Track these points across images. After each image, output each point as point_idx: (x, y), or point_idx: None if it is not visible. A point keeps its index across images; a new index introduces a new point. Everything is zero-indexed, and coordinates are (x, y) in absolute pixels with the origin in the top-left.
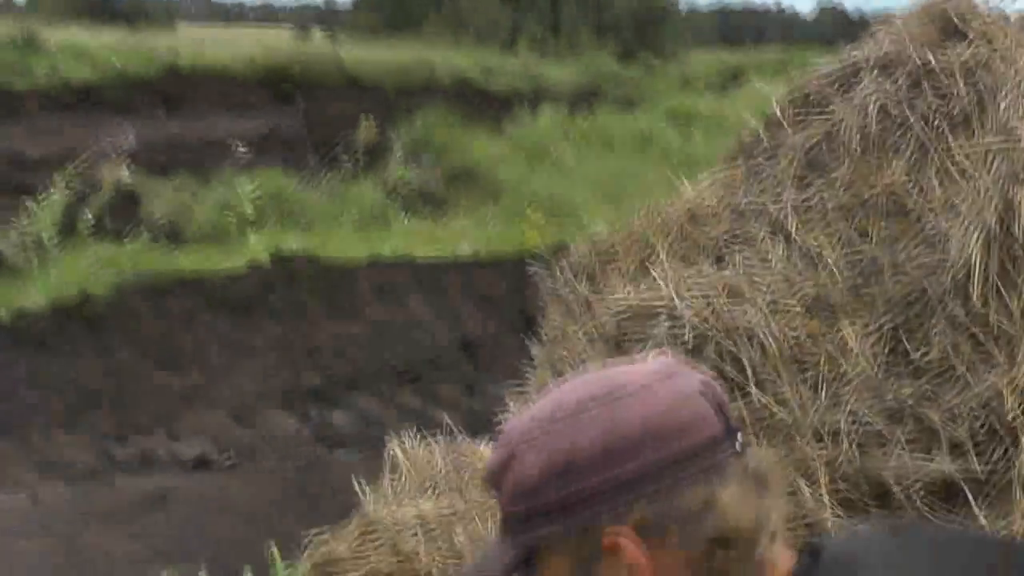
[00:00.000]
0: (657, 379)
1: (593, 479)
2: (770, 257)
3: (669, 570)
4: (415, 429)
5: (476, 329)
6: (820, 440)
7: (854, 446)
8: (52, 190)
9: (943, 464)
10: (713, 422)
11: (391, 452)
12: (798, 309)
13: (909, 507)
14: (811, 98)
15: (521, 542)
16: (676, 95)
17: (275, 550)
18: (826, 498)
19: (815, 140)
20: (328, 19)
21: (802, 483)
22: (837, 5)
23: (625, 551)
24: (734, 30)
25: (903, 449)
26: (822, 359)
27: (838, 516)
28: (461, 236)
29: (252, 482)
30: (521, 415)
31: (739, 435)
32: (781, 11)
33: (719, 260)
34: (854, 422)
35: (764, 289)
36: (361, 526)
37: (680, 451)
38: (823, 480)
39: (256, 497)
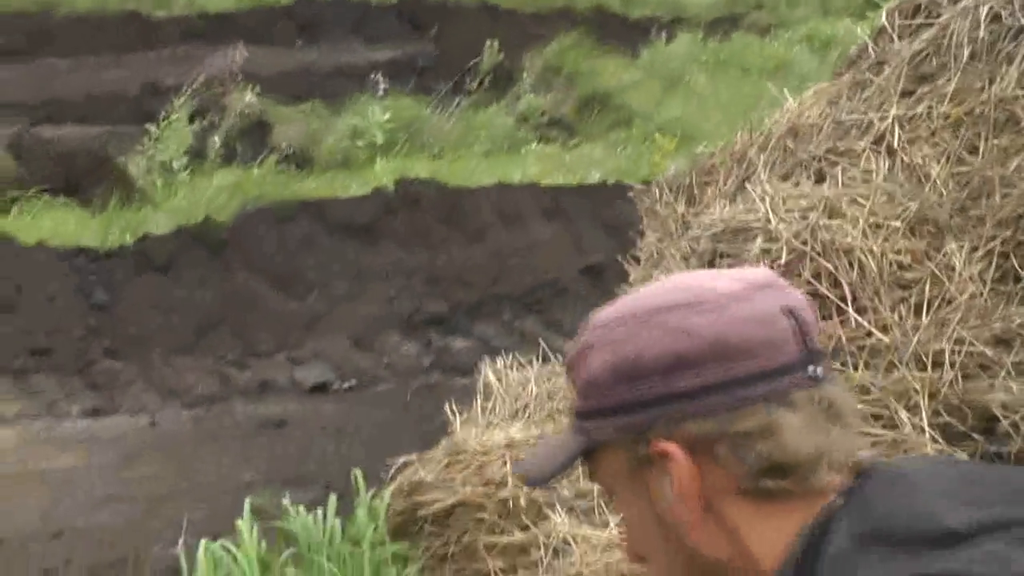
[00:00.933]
0: (741, 295)
1: (654, 386)
2: (872, 173)
3: (716, 487)
4: (516, 354)
5: (601, 256)
6: (922, 366)
7: (958, 373)
8: (177, 116)
9: None
10: (790, 347)
11: (484, 375)
12: (901, 228)
13: (1017, 438)
14: (921, 7)
15: (584, 435)
16: (816, 21)
17: (359, 476)
18: (927, 427)
19: (923, 50)
20: None
21: (902, 411)
22: None
23: (671, 461)
24: None
25: (1011, 377)
26: (925, 281)
27: (939, 446)
28: (590, 162)
29: (371, 407)
30: (607, 307)
31: (819, 364)
32: None
33: (819, 176)
34: (959, 348)
35: (865, 206)
36: (449, 452)
37: (745, 372)
38: (925, 408)
39: (374, 422)
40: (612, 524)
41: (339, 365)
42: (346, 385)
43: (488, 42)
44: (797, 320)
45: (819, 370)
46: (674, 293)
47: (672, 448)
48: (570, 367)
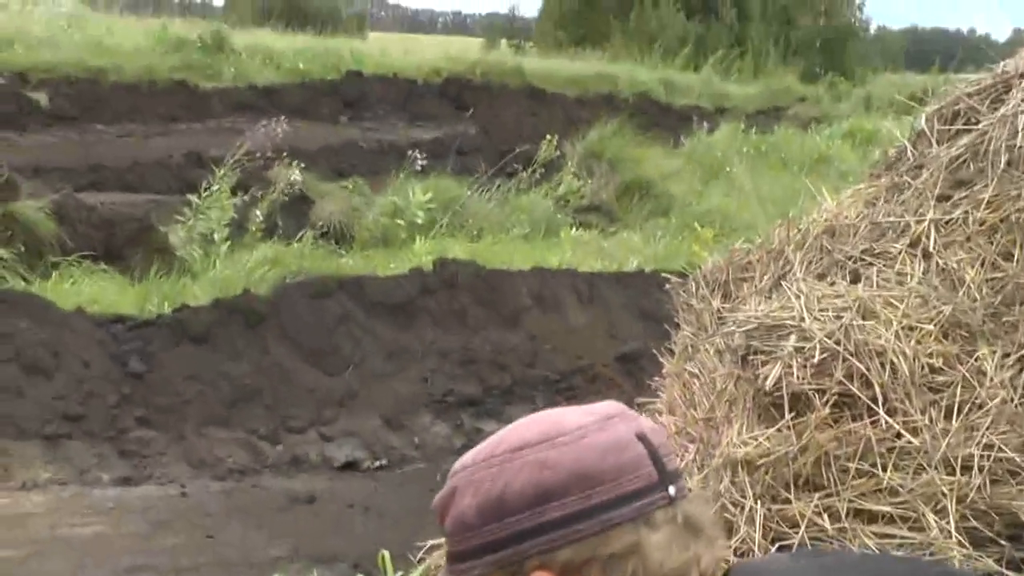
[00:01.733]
0: (595, 425)
1: (523, 520)
2: (907, 275)
3: None
4: None
5: (637, 343)
6: (951, 470)
7: (987, 479)
8: (219, 187)
9: None
10: (645, 470)
11: None
12: (933, 331)
13: None
14: (960, 112)
15: (461, 573)
16: (858, 116)
17: (387, 555)
18: (954, 531)
19: (961, 155)
20: (516, 32)
21: (930, 514)
22: None
23: None
24: (925, 54)
25: None
26: (957, 385)
27: (965, 551)
28: (629, 250)
29: (400, 487)
30: (468, 453)
31: (675, 483)
32: (974, 34)
33: (854, 277)
34: (988, 453)
35: (899, 308)
36: None
37: (607, 498)
38: (952, 512)
39: (403, 502)
40: None
41: (370, 443)
42: (377, 464)
43: (544, 131)
44: (650, 445)
45: (675, 489)
46: (530, 431)
47: (547, 574)
48: (440, 514)
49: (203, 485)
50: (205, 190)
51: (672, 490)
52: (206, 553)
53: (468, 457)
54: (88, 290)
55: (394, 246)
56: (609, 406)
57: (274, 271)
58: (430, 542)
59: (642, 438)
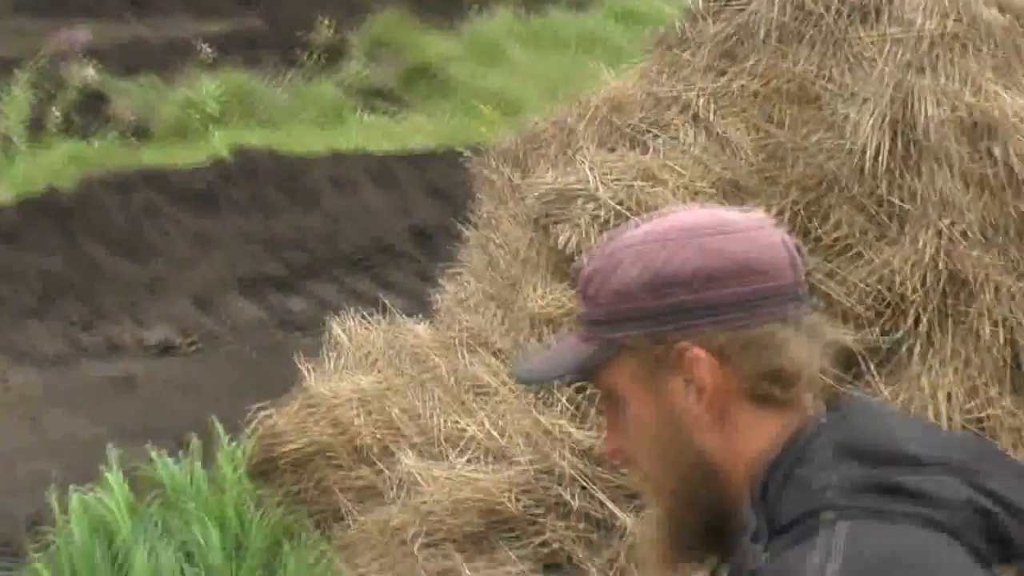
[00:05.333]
0: (756, 226)
1: (685, 296)
2: (685, 142)
3: (726, 388)
4: (359, 312)
5: (429, 219)
6: None
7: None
8: (16, 88)
9: (844, 334)
10: (788, 272)
11: (331, 331)
12: (710, 191)
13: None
14: None
15: (605, 338)
16: None
17: (218, 424)
18: None
19: (730, 31)
20: None
21: None
22: None
23: (695, 363)
24: None
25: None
26: None
27: None
28: (416, 131)
29: (215, 366)
30: (631, 230)
31: (805, 292)
32: None
33: (637, 145)
34: None
35: (679, 173)
36: (302, 401)
37: (761, 289)
38: None
39: (219, 379)
40: (459, 465)
41: (183, 326)
42: (191, 345)
43: (320, 18)
44: (793, 252)
45: (804, 295)
46: (701, 218)
47: (697, 351)
48: (589, 280)
49: (23, 374)
50: (5, 92)
51: (803, 294)
52: (31, 437)
53: (632, 235)
54: None
55: (191, 138)
56: (757, 213)
57: (76, 168)
58: (258, 408)
59: (787, 244)
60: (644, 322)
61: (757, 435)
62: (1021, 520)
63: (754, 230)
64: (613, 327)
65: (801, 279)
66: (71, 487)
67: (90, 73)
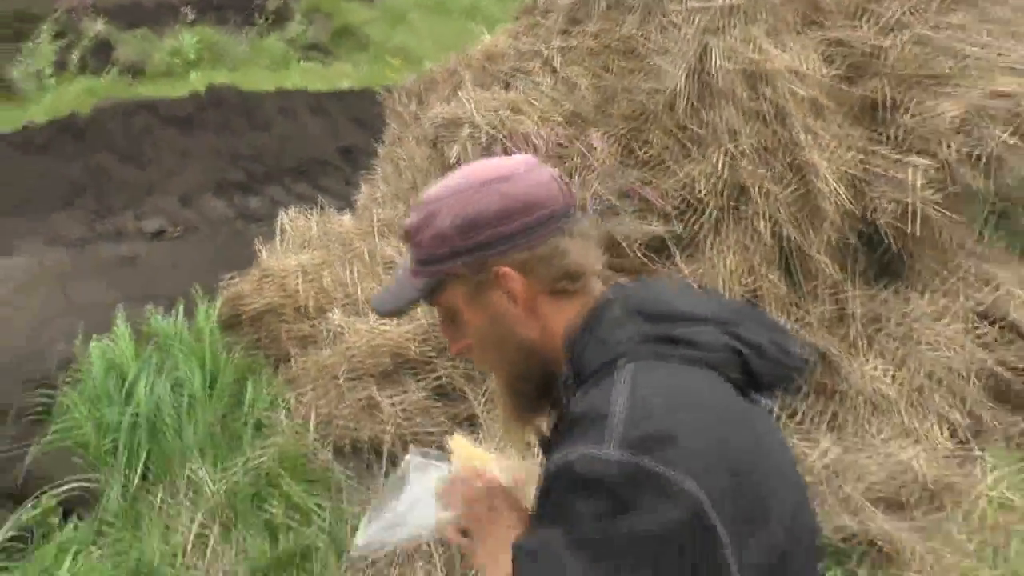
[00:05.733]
0: (530, 168)
1: (489, 232)
2: (542, 84)
3: (534, 293)
4: (300, 208)
5: (353, 140)
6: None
7: (597, 216)
8: (43, 38)
9: (656, 227)
10: (560, 199)
11: (280, 222)
12: (560, 120)
13: (633, 258)
14: None
15: (433, 274)
16: None
17: (198, 290)
18: None
19: (576, 3)
20: None
21: None
22: None
23: (506, 279)
24: None
25: (630, 217)
26: (576, 156)
27: None
28: (342, 75)
29: (195, 247)
30: (436, 187)
31: (575, 208)
32: None
33: (507, 86)
34: (598, 199)
35: (537, 106)
36: (259, 272)
37: (543, 216)
38: None
39: (198, 258)
40: (373, 320)
41: (172, 218)
42: (177, 232)
43: None
44: (562, 183)
45: (578, 213)
46: (491, 171)
47: (507, 271)
48: (415, 230)
49: (54, 254)
50: (35, 39)
51: (576, 213)
52: (61, 302)
53: (437, 190)
54: None
55: (175, 78)
56: (528, 157)
57: (91, 98)
58: (227, 277)
59: (556, 178)
60: (463, 256)
61: (561, 318)
62: (767, 359)
63: (530, 172)
64: (439, 264)
65: (570, 200)
66: (92, 337)
67: (100, 26)
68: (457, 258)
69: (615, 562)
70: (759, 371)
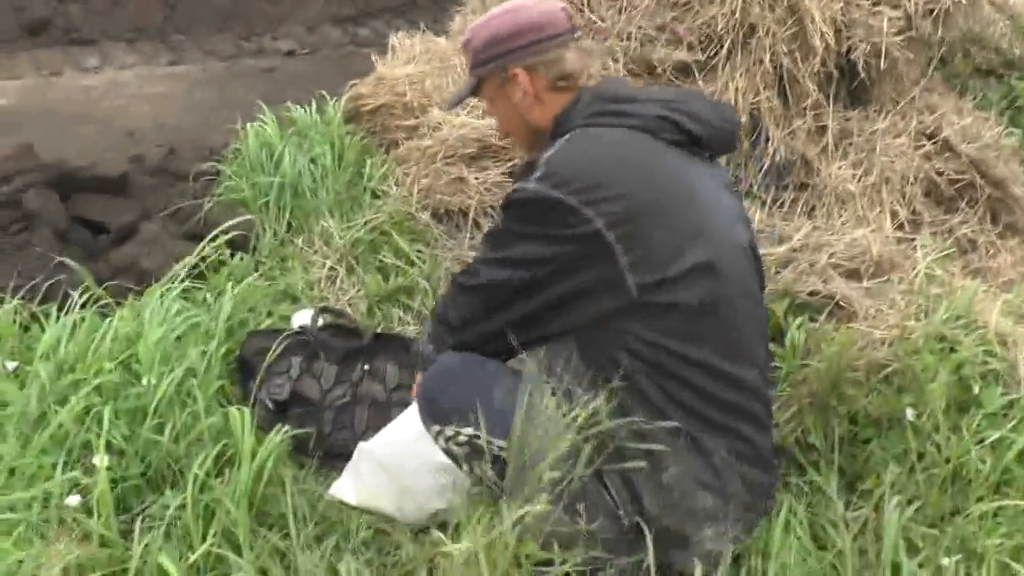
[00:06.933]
0: (537, 2)
1: (504, 45)
2: None
3: (539, 87)
4: (406, 33)
5: None
6: (622, 39)
7: (639, 43)
8: None
9: (683, 55)
10: (564, 23)
11: (391, 41)
12: None
13: (664, 77)
14: None
15: (476, 74)
16: None
17: (325, 93)
18: (622, 72)
19: None
20: None
21: (610, 62)
22: None
23: (520, 77)
24: None
25: (663, 46)
26: None
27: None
28: None
29: (319, 64)
30: (479, 18)
31: (578, 31)
32: None
33: None
34: (641, 29)
35: None
36: (375, 78)
37: (549, 34)
38: (622, 61)
39: (323, 71)
40: (463, 115)
41: (301, 41)
42: (305, 52)
43: None
44: (567, 11)
45: (577, 34)
46: (509, 5)
47: (518, 71)
48: (465, 46)
49: (213, 66)
50: None
51: (576, 34)
52: (221, 100)
53: (478, 20)
54: None
55: None
56: None
57: None
58: (351, 83)
59: (562, 8)
60: (490, 63)
61: (558, 105)
62: (703, 125)
63: (540, 4)
64: (478, 68)
65: (573, 25)
66: (248, 124)
67: None
68: (487, 64)
69: (507, 253)
70: (697, 133)
